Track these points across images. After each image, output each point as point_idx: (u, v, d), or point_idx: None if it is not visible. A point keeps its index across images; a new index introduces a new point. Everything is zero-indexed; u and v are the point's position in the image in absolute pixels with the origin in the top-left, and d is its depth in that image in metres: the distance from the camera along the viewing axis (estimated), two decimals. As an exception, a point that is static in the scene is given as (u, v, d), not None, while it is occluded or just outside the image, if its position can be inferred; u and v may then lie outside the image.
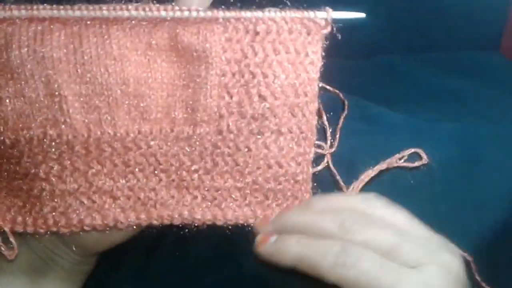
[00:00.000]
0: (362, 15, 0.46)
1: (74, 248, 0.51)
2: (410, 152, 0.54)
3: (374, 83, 0.64)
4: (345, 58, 0.53)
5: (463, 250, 0.48)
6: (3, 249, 0.46)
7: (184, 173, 0.48)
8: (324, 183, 0.53)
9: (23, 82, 0.44)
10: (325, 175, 0.54)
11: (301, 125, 0.48)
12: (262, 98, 0.47)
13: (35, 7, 0.43)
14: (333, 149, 0.54)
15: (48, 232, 0.47)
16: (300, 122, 0.48)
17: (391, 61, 0.73)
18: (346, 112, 0.57)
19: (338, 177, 0.54)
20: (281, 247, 0.44)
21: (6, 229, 0.46)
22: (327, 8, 0.46)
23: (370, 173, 0.53)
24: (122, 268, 0.60)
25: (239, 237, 0.52)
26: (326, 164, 0.55)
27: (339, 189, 0.54)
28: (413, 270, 0.41)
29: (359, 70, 0.58)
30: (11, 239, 0.46)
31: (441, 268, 0.42)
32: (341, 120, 0.56)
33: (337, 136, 0.55)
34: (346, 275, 0.41)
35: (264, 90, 0.47)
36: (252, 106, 0.47)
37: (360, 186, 0.53)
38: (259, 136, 0.48)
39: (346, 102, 0.58)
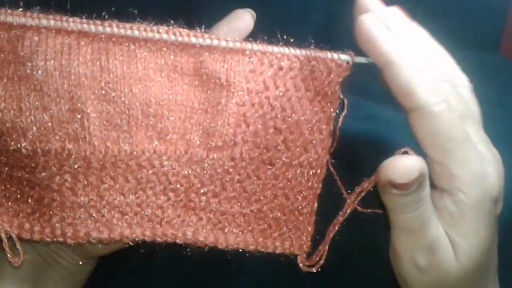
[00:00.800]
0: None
1: (77, 251, 0.51)
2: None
3: (374, 83, 0.64)
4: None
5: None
6: (9, 256, 0.46)
7: (193, 194, 0.48)
8: (323, 183, 0.53)
9: (46, 95, 0.43)
10: (325, 175, 0.54)
11: (312, 161, 0.49)
12: (277, 131, 0.48)
13: (64, 18, 0.43)
14: (332, 149, 0.54)
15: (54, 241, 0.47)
16: (311, 157, 0.49)
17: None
18: (346, 112, 0.57)
19: (336, 177, 0.54)
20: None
21: (13, 235, 0.46)
22: (351, 52, 0.47)
23: (372, 180, 0.53)
24: (122, 267, 0.60)
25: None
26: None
27: (338, 189, 0.54)
28: None
29: (359, 70, 0.58)
30: (18, 245, 0.46)
31: None
32: (341, 120, 0.56)
33: (337, 135, 0.55)
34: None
35: (280, 123, 0.47)
36: (267, 137, 0.48)
37: (362, 194, 0.52)
38: (270, 167, 0.49)
39: (346, 102, 0.58)
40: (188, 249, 0.54)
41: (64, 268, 0.52)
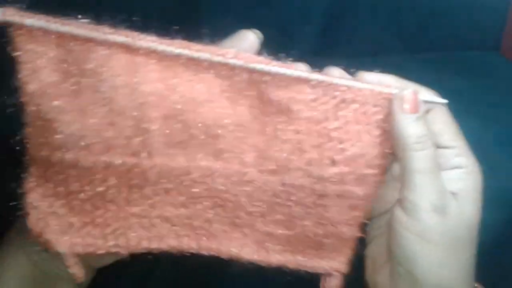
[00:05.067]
0: (445, 101, 0.47)
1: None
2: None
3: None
4: (347, 58, 0.53)
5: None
6: (71, 271, 0.46)
7: (241, 213, 0.49)
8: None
9: (111, 111, 0.43)
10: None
11: (363, 194, 0.48)
12: (332, 162, 0.46)
13: (135, 35, 0.42)
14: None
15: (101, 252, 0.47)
16: (363, 191, 0.48)
17: (392, 61, 0.73)
18: None
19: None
20: None
21: (65, 251, 0.46)
22: (415, 90, 0.46)
23: None
24: (122, 267, 0.60)
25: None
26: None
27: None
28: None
29: (360, 70, 0.58)
30: (76, 261, 0.47)
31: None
32: None
33: None
34: None
35: (337, 155, 0.46)
36: (321, 168, 0.47)
37: None
38: (320, 197, 0.48)
39: None
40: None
41: (64, 280, 0.52)
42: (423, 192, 0.45)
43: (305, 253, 0.51)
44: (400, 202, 0.46)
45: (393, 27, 0.53)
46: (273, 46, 0.49)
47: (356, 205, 0.48)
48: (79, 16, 0.42)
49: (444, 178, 0.46)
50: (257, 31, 0.47)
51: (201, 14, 0.52)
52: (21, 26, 0.41)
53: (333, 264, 0.51)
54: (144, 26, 0.47)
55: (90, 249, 0.46)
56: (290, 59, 0.47)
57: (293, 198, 0.48)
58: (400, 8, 0.77)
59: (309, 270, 0.51)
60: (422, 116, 0.45)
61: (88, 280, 0.55)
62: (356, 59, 0.60)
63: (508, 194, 0.49)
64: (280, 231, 0.50)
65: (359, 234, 0.50)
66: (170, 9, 0.53)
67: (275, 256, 0.50)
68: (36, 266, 0.51)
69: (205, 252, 0.49)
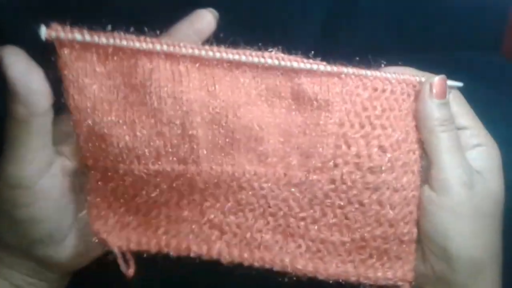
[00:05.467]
0: (460, 84, 0.51)
1: (53, 268, 0.51)
2: None
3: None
4: (347, 58, 0.53)
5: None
6: (123, 267, 0.48)
7: (291, 219, 0.49)
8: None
9: (159, 121, 0.45)
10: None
11: (411, 183, 0.48)
12: (382, 149, 0.47)
13: (177, 44, 0.43)
14: None
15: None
16: (410, 180, 0.48)
17: (392, 61, 0.73)
18: None
19: None
20: None
21: (124, 247, 0.48)
22: (443, 77, 0.50)
23: None
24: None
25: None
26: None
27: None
28: None
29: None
30: (128, 257, 0.49)
31: None
32: None
33: None
34: None
35: (384, 141, 0.47)
36: (371, 158, 0.47)
37: None
38: (374, 191, 0.48)
39: None
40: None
41: None
42: (453, 169, 0.47)
43: (366, 263, 0.49)
44: (430, 182, 0.48)
45: (393, 27, 0.54)
46: (273, 46, 0.49)
47: (408, 198, 0.48)
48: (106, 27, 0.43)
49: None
50: (213, 10, 0.47)
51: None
52: (66, 43, 0.42)
53: (398, 274, 0.49)
54: (144, 26, 0.47)
55: (144, 247, 0.49)
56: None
57: (344, 196, 0.48)
58: (400, 8, 0.77)
59: (373, 283, 0.49)
60: (447, 100, 0.49)
61: (65, 284, 0.55)
62: (356, 59, 0.60)
63: (508, 194, 0.49)
64: (335, 237, 0.49)
65: (416, 234, 0.49)
66: (170, 9, 0.53)
67: (333, 268, 0.49)
68: (9, 282, 0.50)
69: (257, 264, 0.49)
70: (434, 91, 0.48)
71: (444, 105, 0.49)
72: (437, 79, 0.49)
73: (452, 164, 0.47)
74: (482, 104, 0.66)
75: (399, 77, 0.49)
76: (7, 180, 0.44)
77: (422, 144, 0.50)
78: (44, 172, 0.45)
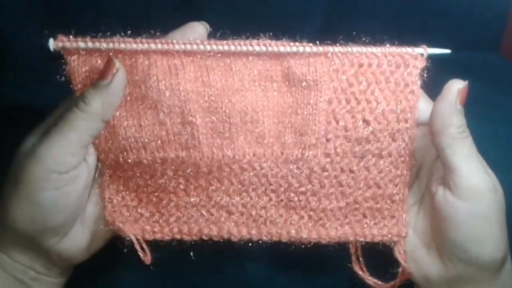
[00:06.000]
0: (448, 51, 0.52)
1: (54, 262, 0.51)
2: None
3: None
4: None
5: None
6: (142, 255, 0.51)
7: (292, 194, 0.52)
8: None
9: (161, 112, 0.49)
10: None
11: (400, 150, 0.51)
12: (366, 122, 0.51)
13: (170, 41, 0.47)
14: None
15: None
16: (399, 146, 0.51)
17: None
18: None
19: None
20: None
21: (139, 237, 0.52)
22: (424, 45, 0.51)
23: None
24: (121, 266, 0.60)
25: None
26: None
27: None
28: None
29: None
30: (145, 246, 0.52)
31: None
32: None
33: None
34: None
35: (368, 115, 0.51)
36: (357, 130, 0.51)
37: None
38: (361, 159, 0.52)
39: None
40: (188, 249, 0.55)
41: (41, 283, 0.52)
42: (480, 176, 0.47)
43: (361, 223, 0.53)
44: (454, 191, 0.47)
45: (393, 27, 0.54)
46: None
47: (396, 162, 0.52)
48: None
49: None
50: (205, 23, 0.50)
51: (202, 14, 0.52)
52: (72, 51, 0.48)
53: (393, 231, 0.53)
54: (144, 26, 0.48)
55: (158, 236, 0.53)
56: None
57: (338, 166, 0.52)
58: (400, 8, 0.78)
59: (370, 240, 0.53)
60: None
61: (66, 279, 0.55)
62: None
63: (508, 194, 0.49)
64: (333, 204, 0.53)
65: (406, 194, 0.52)
66: (170, 9, 0.53)
67: (334, 232, 0.53)
68: (10, 275, 0.50)
69: (266, 239, 0.52)
70: (459, 99, 0.48)
71: (462, 110, 0.49)
72: (466, 85, 0.49)
73: (478, 170, 0.47)
74: (482, 104, 0.66)
75: (385, 50, 0.51)
76: (48, 162, 0.46)
77: (413, 115, 0.51)
78: (78, 164, 0.48)
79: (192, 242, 0.53)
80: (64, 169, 0.47)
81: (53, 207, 0.47)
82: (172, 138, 0.50)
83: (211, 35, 0.50)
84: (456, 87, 0.48)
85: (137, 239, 0.52)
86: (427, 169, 0.53)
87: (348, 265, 0.54)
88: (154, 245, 0.53)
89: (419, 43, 0.51)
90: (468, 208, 0.47)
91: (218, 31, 0.50)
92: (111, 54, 0.47)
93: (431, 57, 0.51)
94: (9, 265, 0.50)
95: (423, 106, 0.51)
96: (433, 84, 0.52)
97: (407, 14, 0.79)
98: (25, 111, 0.47)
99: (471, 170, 0.47)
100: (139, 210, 0.53)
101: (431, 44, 0.52)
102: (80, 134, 0.47)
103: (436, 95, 0.52)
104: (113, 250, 0.53)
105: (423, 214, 0.52)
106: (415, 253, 0.52)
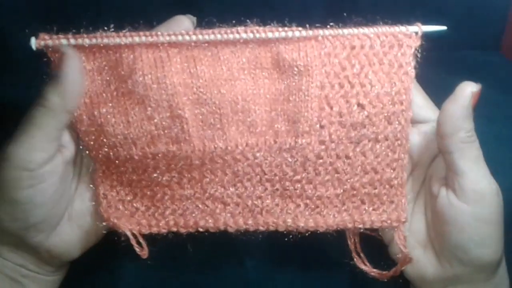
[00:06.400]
0: (443, 27, 0.50)
1: (46, 260, 0.51)
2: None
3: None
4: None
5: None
6: (138, 249, 0.51)
7: (287, 183, 0.51)
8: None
9: (148, 106, 0.48)
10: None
11: (396, 133, 0.50)
12: (360, 106, 0.49)
13: (154, 33, 0.46)
14: None
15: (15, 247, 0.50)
16: (395, 129, 0.50)
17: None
18: None
19: None
20: None
21: (135, 232, 0.51)
22: (418, 23, 0.50)
23: None
24: (120, 262, 0.60)
25: (240, 236, 0.52)
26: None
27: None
28: None
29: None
30: (141, 240, 0.51)
31: None
32: None
33: None
34: None
35: (363, 99, 0.49)
36: (352, 115, 0.49)
37: None
38: (357, 144, 0.50)
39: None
40: (188, 248, 0.55)
41: (35, 281, 0.52)
42: (485, 179, 0.47)
43: (359, 210, 0.52)
44: (459, 193, 0.47)
45: (399, 24, 0.54)
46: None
47: (393, 146, 0.51)
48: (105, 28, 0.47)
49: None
50: (191, 16, 0.50)
51: (201, 14, 0.52)
52: (56, 49, 0.46)
53: (392, 216, 0.52)
54: (144, 25, 0.48)
55: (154, 229, 0.52)
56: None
57: (333, 153, 0.51)
58: (400, 8, 0.78)
59: (369, 226, 0.52)
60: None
61: (62, 277, 0.55)
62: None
63: (508, 194, 0.49)
64: (330, 192, 0.52)
65: (405, 179, 0.51)
66: (169, 9, 0.53)
67: (332, 219, 0.52)
68: (3, 273, 0.51)
69: (262, 228, 0.52)
70: (471, 102, 0.47)
71: (471, 114, 0.47)
72: (479, 88, 0.47)
73: (485, 174, 0.47)
74: (482, 103, 0.66)
75: (377, 30, 0.49)
76: (16, 161, 0.46)
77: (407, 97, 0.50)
78: (49, 160, 0.48)
79: (192, 238, 0.53)
80: (34, 166, 0.46)
81: (31, 204, 0.47)
82: (162, 132, 0.49)
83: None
84: (469, 90, 0.46)
85: (133, 234, 0.51)
86: (423, 168, 0.52)
87: (351, 262, 0.54)
88: (155, 241, 0.53)
89: (422, 38, 0.50)
90: (472, 211, 0.47)
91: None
92: (66, 47, 0.46)
93: (427, 36, 0.50)
94: (0, 264, 0.50)
95: (420, 102, 0.50)
96: (433, 84, 0.52)
97: (406, 12, 0.79)
98: (25, 112, 0.47)
99: (478, 174, 0.47)
100: (134, 205, 0.52)
101: (432, 44, 0.51)
102: (44, 129, 0.46)
103: (436, 95, 0.52)
104: (111, 246, 0.53)
105: (419, 214, 0.52)
106: (411, 253, 0.51)
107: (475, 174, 0.47)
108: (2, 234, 0.49)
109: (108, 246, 0.54)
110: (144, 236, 0.52)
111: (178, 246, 0.53)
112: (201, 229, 0.51)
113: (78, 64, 0.46)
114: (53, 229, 0.50)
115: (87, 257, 0.54)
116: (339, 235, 0.54)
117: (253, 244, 0.53)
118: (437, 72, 0.72)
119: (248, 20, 0.48)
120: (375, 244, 0.54)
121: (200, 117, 0.49)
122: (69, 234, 0.51)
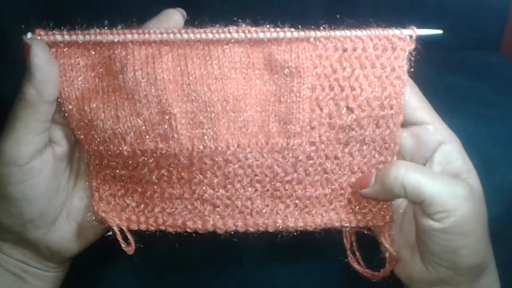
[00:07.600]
0: (439, 31, 0.49)
1: (47, 256, 0.51)
2: None
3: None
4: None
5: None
6: (123, 245, 0.50)
7: (278, 183, 0.51)
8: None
9: (137, 102, 0.47)
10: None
11: (384, 136, 0.50)
12: (349, 110, 0.49)
13: (146, 31, 0.46)
14: None
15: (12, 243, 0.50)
16: (383, 133, 0.50)
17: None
18: None
19: None
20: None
21: (123, 227, 0.51)
22: (413, 26, 0.48)
23: None
24: (121, 265, 0.60)
25: (239, 235, 0.52)
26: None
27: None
28: None
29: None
30: (129, 236, 0.51)
31: None
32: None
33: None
34: None
35: (352, 102, 0.49)
36: (341, 118, 0.49)
37: None
38: (345, 145, 0.51)
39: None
40: (188, 247, 0.55)
41: (37, 277, 0.52)
42: (446, 194, 0.46)
43: (346, 209, 0.53)
44: (426, 215, 0.46)
45: (393, 26, 0.54)
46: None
47: (380, 149, 0.51)
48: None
49: (437, 161, 0.49)
50: (182, 10, 0.49)
51: (201, 14, 0.52)
52: (51, 45, 0.47)
53: (378, 215, 0.52)
54: (142, 22, 0.48)
55: (143, 226, 0.51)
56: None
57: (323, 154, 0.51)
58: (399, 8, 0.78)
59: (356, 225, 0.52)
60: None
61: (64, 273, 0.55)
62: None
63: (505, 194, 0.49)
64: (318, 192, 0.52)
65: None
66: (169, 8, 0.53)
67: (320, 219, 0.52)
68: (5, 269, 0.51)
69: (252, 229, 0.51)
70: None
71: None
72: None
73: (442, 189, 0.46)
74: (482, 103, 0.66)
75: (370, 33, 0.48)
76: (4, 157, 0.46)
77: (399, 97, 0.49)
78: (38, 154, 0.47)
79: (191, 236, 0.52)
80: (22, 161, 0.46)
81: (24, 200, 0.47)
82: (150, 129, 0.48)
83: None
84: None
85: (121, 229, 0.51)
86: None
87: (345, 260, 0.54)
88: (153, 240, 0.52)
89: (418, 41, 0.49)
90: (440, 226, 0.46)
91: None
92: (32, 38, 0.46)
93: (426, 37, 0.48)
94: (2, 260, 0.51)
95: (415, 104, 0.49)
96: (433, 84, 0.52)
97: (406, 13, 0.79)
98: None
99: (434, 193, 0.46)
100: (126, 200, 0.52)
101: (432, 44, 0.51)
102: (26, 122, 0.46)
103: (435, 95, 0.52)
104: (112, 244, 0.53)
105: (410, 215, 0.52)
106: (400, 253, 0.52)
107: (431, 195, 0.46)
108: (2, 231, 0.49)
109: (109, 244, 0.54)
110: (144, 233, 0.51)
111: (177, 244, 0.53)
112: (189, 230, 0.51)
113: (46, 54, 0.46)
114: (51, 225, 0.50)
115: (88, 254, 0.54)
116: (338, 233, 0.54)
117: (251, 242, 0.53)
118: (437, 72, 0.72)
119: (247, 20, 0.48)
120: (375, 244, 0.54)
121: (190, 115, 0.48)
122: (68, 231, 0.51)
